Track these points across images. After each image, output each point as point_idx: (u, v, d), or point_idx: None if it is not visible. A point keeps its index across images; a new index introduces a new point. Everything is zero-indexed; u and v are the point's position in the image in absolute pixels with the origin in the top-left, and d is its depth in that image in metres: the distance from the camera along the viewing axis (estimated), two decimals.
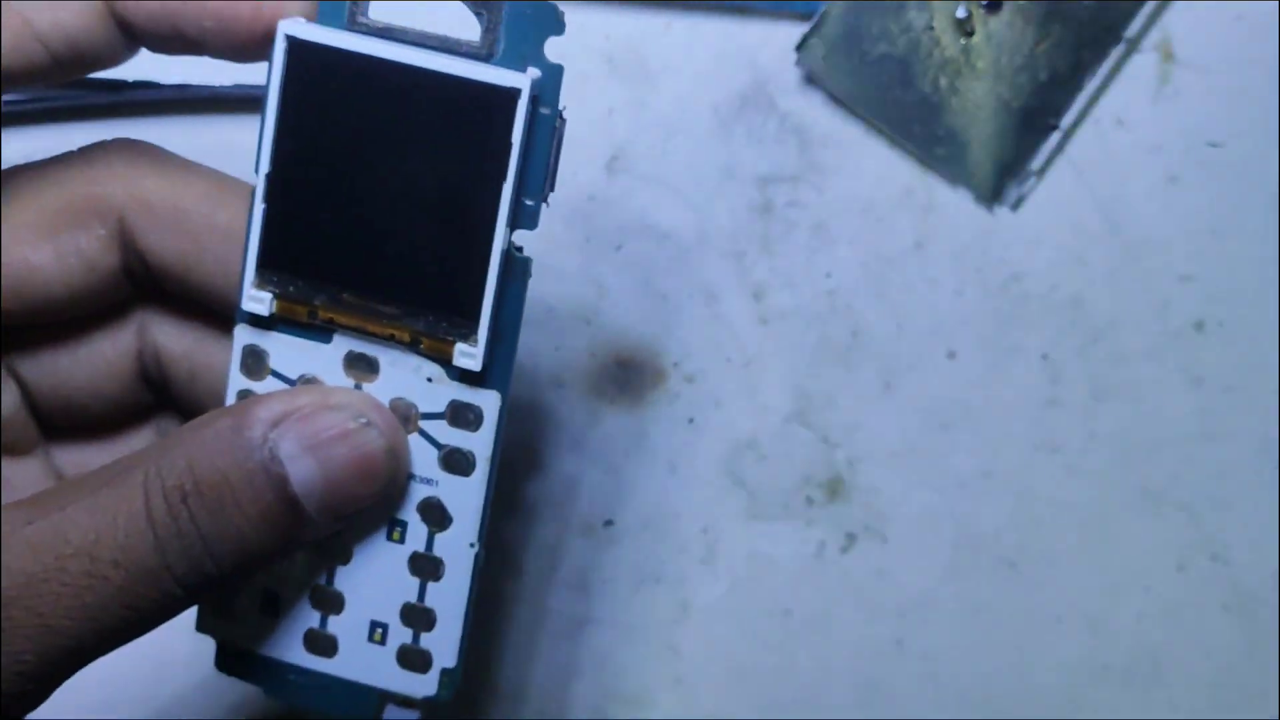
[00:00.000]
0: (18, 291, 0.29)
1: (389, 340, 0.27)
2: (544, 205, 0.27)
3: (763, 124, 0.42)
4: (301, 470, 0.26)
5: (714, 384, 0.42)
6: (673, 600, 0.42)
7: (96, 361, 0.31)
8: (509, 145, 0.26)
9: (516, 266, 0.27)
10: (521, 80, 0.25)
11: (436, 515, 0.28)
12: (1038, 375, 0.42)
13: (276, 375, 0.28)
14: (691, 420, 0.42)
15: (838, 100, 0.42)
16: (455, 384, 0.28)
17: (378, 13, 0.27)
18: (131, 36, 0.27)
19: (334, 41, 0.26)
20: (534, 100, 0.26)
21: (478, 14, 0.26)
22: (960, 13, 0.41)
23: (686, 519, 0.42)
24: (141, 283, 0.31)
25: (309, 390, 0.27)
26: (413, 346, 0.27)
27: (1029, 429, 0.42)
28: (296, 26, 0.26)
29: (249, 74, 0.41)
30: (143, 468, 0.25)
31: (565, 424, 0.42)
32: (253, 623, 0.29)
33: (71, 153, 0.30)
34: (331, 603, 0.29)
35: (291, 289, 0.27)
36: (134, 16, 0.27)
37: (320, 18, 0.27)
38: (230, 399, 0.28)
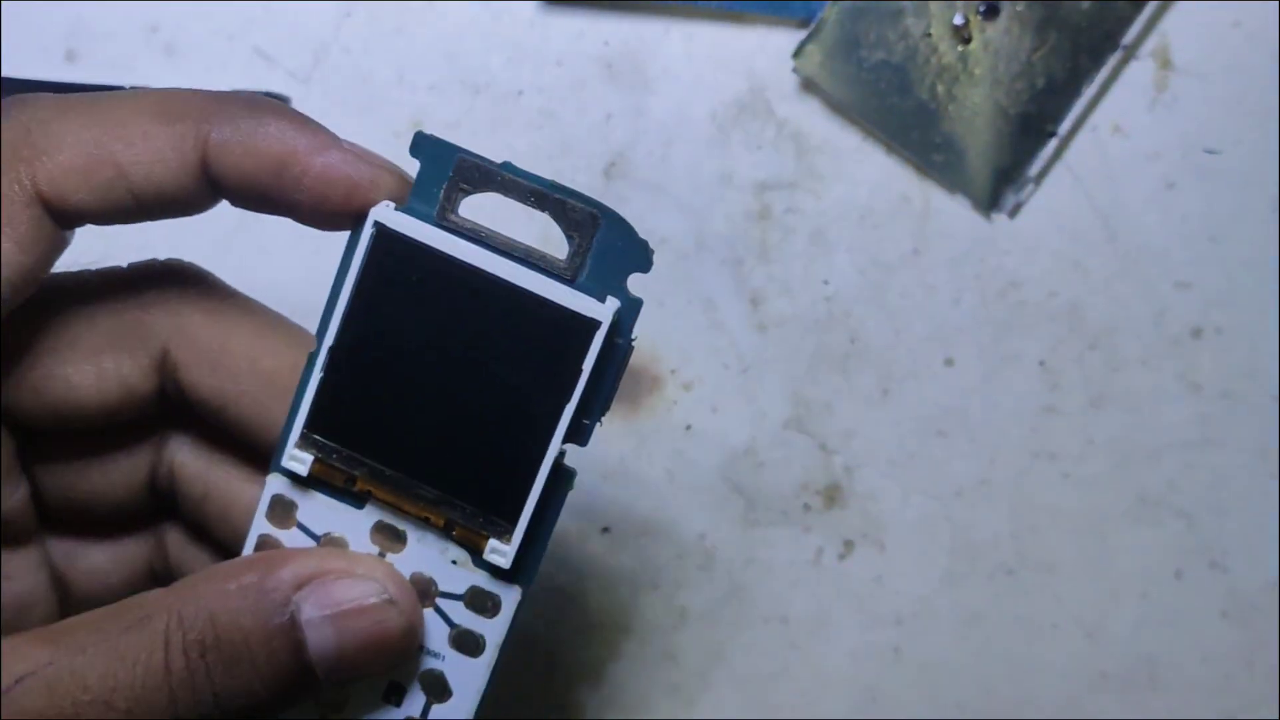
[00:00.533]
0: (53, 407, 0.29)
1: (423, 521, 0.28)
2: (599, 424, 0.27)
3: (760, 130, 0.42)
4: (319, 638, 0.26)
5: (712, 391, 0.42)
6: (670, 607, 0.42)
7: (109, 471, 0.31)
8: (579, 371, 0.26)
9: (563, 477, 0.27)
10: (603, 313, 0.26)
11: (438, 688, 0.28)
12: (1035, 382, 0.42)
13: (302, 528, 0.28)
14: (689, 427, 0.42)
15: (835, 107, 0.42)
16: (479, 571, 0.28)
17: (468, 211, 0.27)
18: (218, 192, 0.28)
19: (421, 236, 0.26)
20: (611, 330, 0.26)
21: (569, 236, 0.26)
22: (957, 19, 0.41)
23: (684, 526, 0.42)
24: (173, 407, 0.31)
25: (336, 554, 0.28)
26: (444, 531, 0.28)
27: (1027, 436, 0.42)
28: (387, 214, 0.26)
29: (245, 83, 0.41)
30: (164, 615, 0.25)
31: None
32: None
33: (122, 270, 0.30)
34: None
35: (334, 456, 0.27)
36: (227, 179, 0.27)
37: (410, 206, 0.27)
38: (251, 542, 0.28)
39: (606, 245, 0.26)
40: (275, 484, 0.28)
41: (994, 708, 0.42)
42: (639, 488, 0.42)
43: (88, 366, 0.29)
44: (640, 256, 0.27)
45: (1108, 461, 0.42)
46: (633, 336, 0.27)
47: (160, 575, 0.33)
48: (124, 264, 0.30)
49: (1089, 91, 0.41)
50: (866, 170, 0.42)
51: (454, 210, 0.27)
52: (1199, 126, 0.42)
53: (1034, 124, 0.41)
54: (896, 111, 0.41)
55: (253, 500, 0.29)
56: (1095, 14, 0.41)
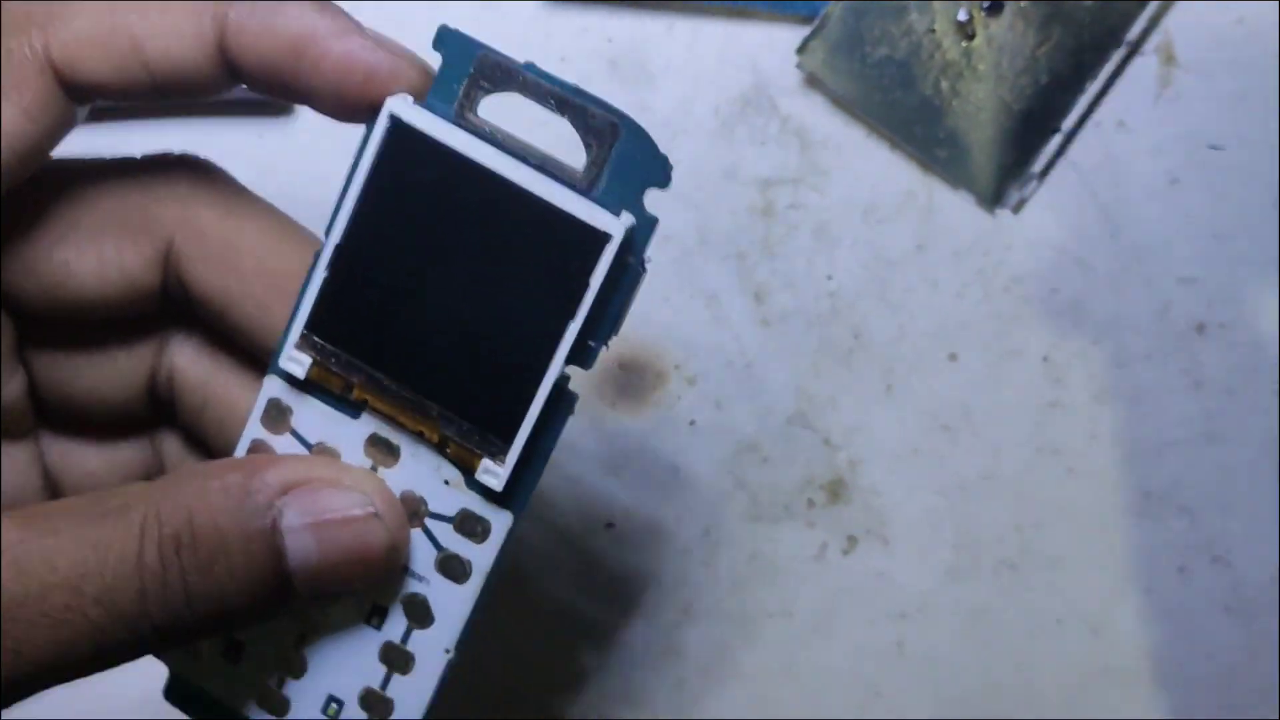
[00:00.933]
0: (51, 292, 0.28)
1: (418, 435, 0.27)
2: (604, 347, 0.26)
3: (764, 126, 0.42)
4: (300, 546, 0.25)
5: (715, 386, 0.42)
6: (674, 602, 0.42)
7: (108, 369, 0.31)
8: (586, 285, 0.25)
9: (564, 401, 0.26)
10: (615, 226, 0.25)
11: (420, 613, 0.28)
12: (1039, 377, 0.42)
13: (296, 435, 0.27)
14: (693, 422, 0.42)
15: (839, 103, 0.42)
16: (471, 494, 0.27)
17: (487, 111, 0.26)
18: (235, 75, 0.27)
19: (436, 133, 0.25)
20: (623, 247, 0.25)
21: (587, 145, 0.25)
22: (961, 15, 0.41)
23: (688, 521, 0.42)
24: (175, 305, 0.30)
25: (324, 462, 0.27)
26: (439, 447, 0.27)
27: (1030, 431, 0.42)
28: (403, 107, 0.25)
29: None
30: (142, 508, 0.25)
31: (567, 426, 0.42)
32: (212, 664, 0.28)
33: (135, 160, 0.29)
34: (294, 666, 0.28)
35: (333, 360, 0.27)
36: (244, 60, 0.26)
37: (429, 102, 0.26)
38: (243, 445, 0.28)
39: (625, 157, 0.25)
40: (272, 386, 0.27)
41: (997, 702, 0.42)
42: (643, 483, 0.42)
43: (89, 251, 0.28)
44: (659, 171, 0.25)
45: (1111, 457, 0.42)
46: (646, 257, 0.26)
47: None
48: (138, 154, 0.29)
49: (1093, 88, 0.41)
50: (870, 166, 0.42)
51: (473, 110, 0.26)
52: (1203, 122, 0.42)
53: (1038, 120, 0.41)
54: (900, 107, 0.41)
55: (250, 411, 0.28)
56: (1099, 10, 0.41)
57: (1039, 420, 0.42)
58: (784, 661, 0.42)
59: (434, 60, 0.26)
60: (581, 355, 0.26)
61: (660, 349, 0.42)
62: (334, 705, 0.28)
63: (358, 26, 0.26)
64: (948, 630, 0.42)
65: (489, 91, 0.26)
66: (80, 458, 0.32)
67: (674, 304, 0.42)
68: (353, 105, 0.26)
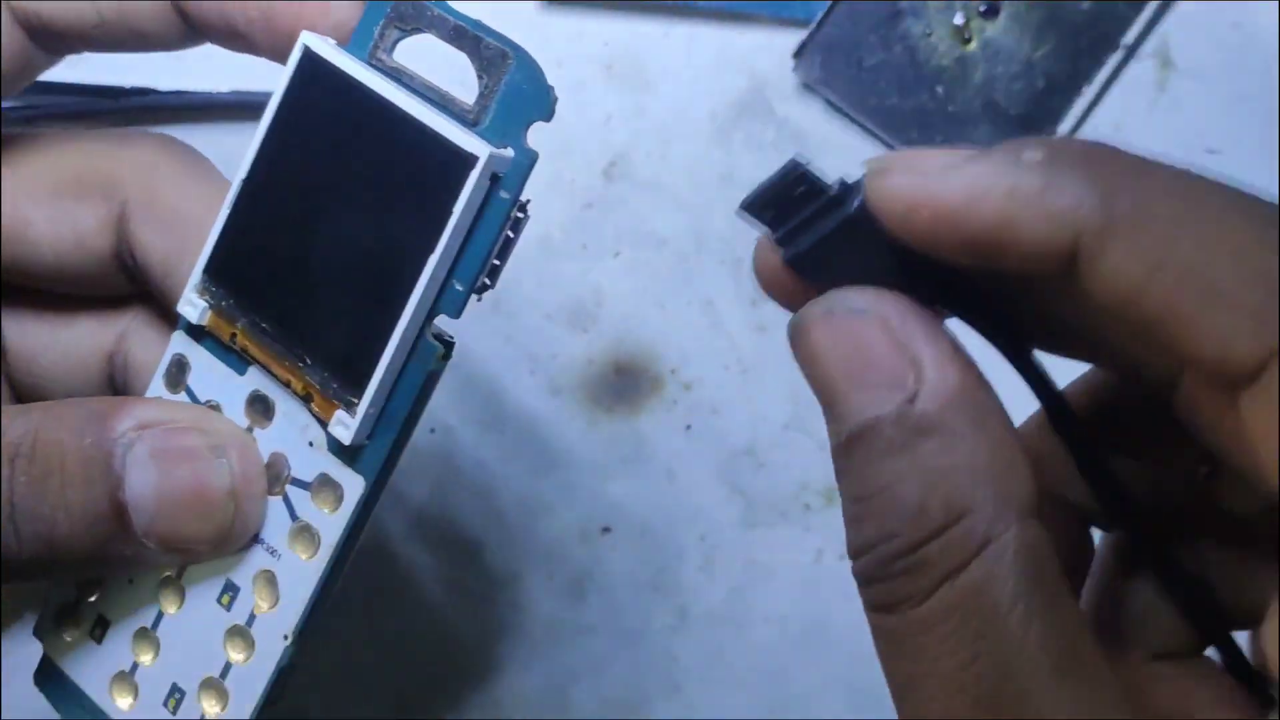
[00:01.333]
0: (10, 245, 0.29)
1: (286, 386, 0.26)
2: (476, 298, 0.25)
3: (761, 130, 0.42)
4: (139, 479, 0.25)
5: (712, 391, 0.42)
6: (670, 607, 0.42)
7: (70, 350, 0.31)
8: (448, 214, 0.24)
9: (423, 351, 0.25)
10: (482, 149, 0.24)
11: (267, 591, 0.26)
12: None
13: (189, 393, 0.27)
14: (689, 427, 0.42)
15: (835, 107, 0.42)
16: (330, 456, 0.26)
17: (403, 57, 0.26)
18: (186, 21, 0.27)
19: (342, 65, 0.25)
20: (493, 178, 0.24)
21: (479, 77, 0.25)
22: (957, 20, 0.41)
23: (684, 526, 0.42)
24: (133, 280, 0.30)
25: (192, 408, 0.26)
26: (305, 400, 0.26)
27: None
28: (316, 41, 0.25)
29: (247, 82, 0.41)
30: None
31: (563, 431, 0.42)
32: (79, 644, 0.28)
33: (108, 131, 0.30)
34: (148, 648, 0.27)
35: (224, 304, 0.26)
36: (201, 16, 0.27)
37: (351, 44, 0.26)
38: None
39: (513, 89, 0.25)
40: (177, 342, 0.27)
41: None
42: (639, 487, 0.42)
43: (43, 205, 0.29)
44: (543, 104, 0.24)
45: None
46: (525, 199, 0.24)
47: None
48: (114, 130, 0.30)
49: (1089, 92, 0.41)
50: None
51: (387, 50, 0.26)
52: (1199, 127, 0.42)
53: (1034, 124, 0.41)
54: (897, 111, 0.41)
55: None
56: (1095, 14, 0.41)
57: None
58: (780, 666, 0.42)
59: None
60: (446, 300, 0.24)
61: (656, 354, 0.42)
62: (175, 697, 0.27)
63: None
64: None
65: (404, 32, 0.26)
66: None
67: (670, 309, 0.42)
68: (287, 43, 0.26)
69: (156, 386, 0.27)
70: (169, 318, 0.31)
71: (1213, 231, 0.19)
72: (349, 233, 0.25)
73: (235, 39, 0.27)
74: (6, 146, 0.28)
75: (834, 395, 0.22)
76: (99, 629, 0.28)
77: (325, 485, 0.26)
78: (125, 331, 0.31)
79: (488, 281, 0.25)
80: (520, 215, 0.24)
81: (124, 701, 0.27)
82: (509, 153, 0.24)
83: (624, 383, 0.42)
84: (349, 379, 0.25)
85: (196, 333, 0.27)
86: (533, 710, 0.42)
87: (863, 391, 0.21)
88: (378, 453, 0.25)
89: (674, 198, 0.42)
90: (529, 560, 0.42)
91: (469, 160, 0.24)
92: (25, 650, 0.39)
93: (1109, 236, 0.19)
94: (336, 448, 0.25)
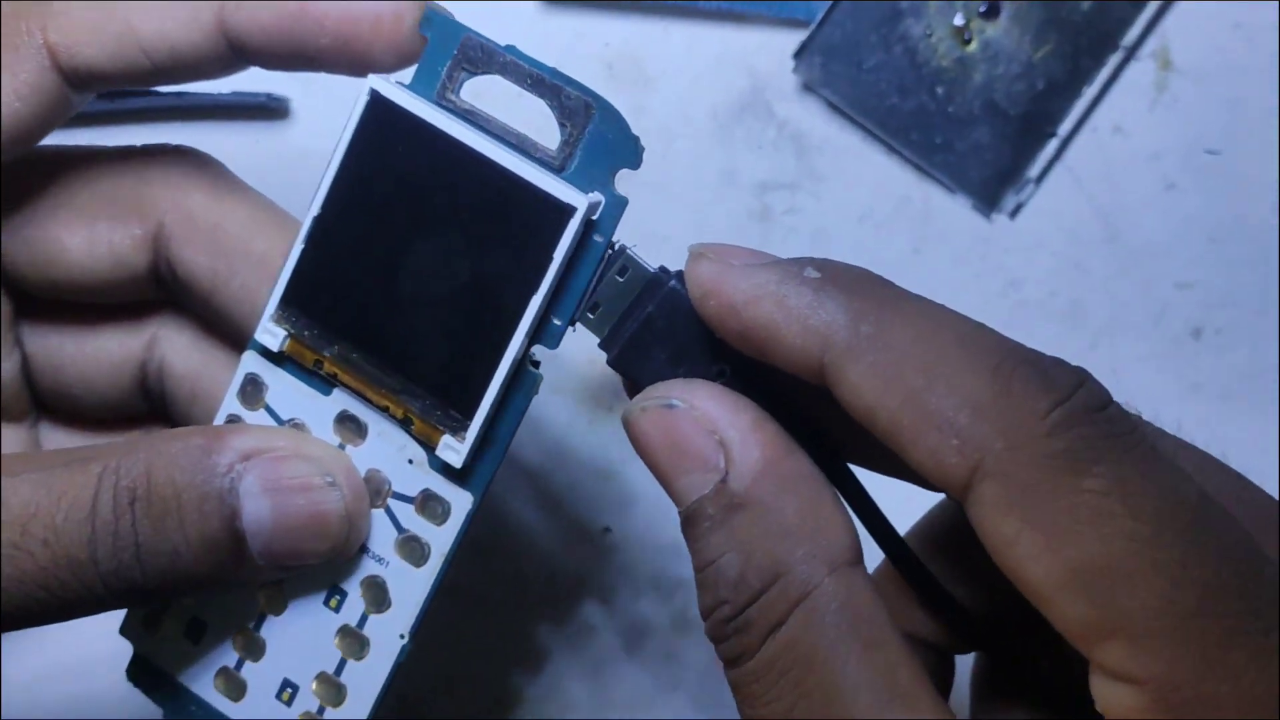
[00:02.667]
0: (42, 267, 0.29)
1: (383, 411, 0.27)
2: (571, 329, 0.26)
3: (761, 131, 0.42)
4: (255, 509, 0.26)
5: None
6: (671, 606, 0.42)
7: (99, 358, 0.31)
8: (549, 259, 0.25)
9: (526, 380, 0.26)
10: (579, 200, 0.25)
11: (378, 595, 0.28)
12: None
13: (269, 410, 0.28)
14: None
15: (836, 107, 0.42)
16: (434, 474, 0.27)
17: (469, 93, 0.26)
18: (241, 53, 0.27)
19: (414, 108, 0.25)
20: (588, 224, 0.25)
21: (562, 125, 0.26)
22: (958, 20, 0.41)
23: None
24: (166, 291, 0.31)
25: (289, 434, 0.27)
26: (404, 424, 0.27)
27: None
28: (383, 84, 0.26)
29: (247, 82, 0.41)
30: (103, 460, 0.25)
31: (564, 431, 0.42)
32: (174, 643, 0.29)
33: (132, 148, 0.30)
34: (253, 649, 0.28)
35: (306, 333, 0.27)
36: (248, 35, 0.27)
37: (414, 80, 0.26)
38: (220, 418, 0.28)
39: (597, 138, 0.26)
40: (250, 361, 0.28)
41: None
42: (640, 488, 0.42)
43: (80, 230, 0.29)
44: (630, 152, 0.26)
45: None
46: (615, 239, 0.26)
47: None
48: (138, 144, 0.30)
49: (1089, 92, 0.41)
50: (867, 170, 0.42)
51: (455, 90, 0.26)
52: (1199, 127, 0.42)
53: (1034, 125, 0.41)
54: (897, 112, 0.41)
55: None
56: (1095, 15, 0.41)
57: None
58: None
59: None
60: (546, 334, 0.26)
61: None
62: (288, 690, 0.28)
63: None
64: None
65: (472, 74, 0.26)
66: (76, 444, 0.32)
67: None
68: (362, 56, 0.27)
69: (231, 404, 0.28)
70: (202, 324, 0.31)
71: (935, 361, 0.22)
72: (443, 271, 0.26)
73: (296, 64, 0.27)
74: (34, 167, 0.28)
75: (664, 482, 0.25)
76: (195, 630, 0.29)
77: (431, 500, 0.27)
78: (155, 338, 0.32)
79: (581, 316, 0.26)
80: (611, 253, 0.26)
81: (232, 695, 0.28)
82: (600, 199, 0.25)
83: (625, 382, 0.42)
84: (453, 405, 0.26)
85: (274, 356, 0.27)
86: (533, 710, 0.42)
87: (684, 477, 0.24)
88: (484, 472, 0.27)
89: (674, 197, 0.42)
90: (529, 560, 0.42)
91: (567, 210, 0.25)
92: (25, 650, 0.39)
93: (850, 357, 0.22)
94: (441, 467, 0.27)
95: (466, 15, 0.45)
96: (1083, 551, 0.20)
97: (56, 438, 0.32)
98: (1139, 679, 0.20)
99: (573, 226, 0.25)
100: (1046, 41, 0.41)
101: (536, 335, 0.26)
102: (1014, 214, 0.42)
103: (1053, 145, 0.41)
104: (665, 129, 0.42)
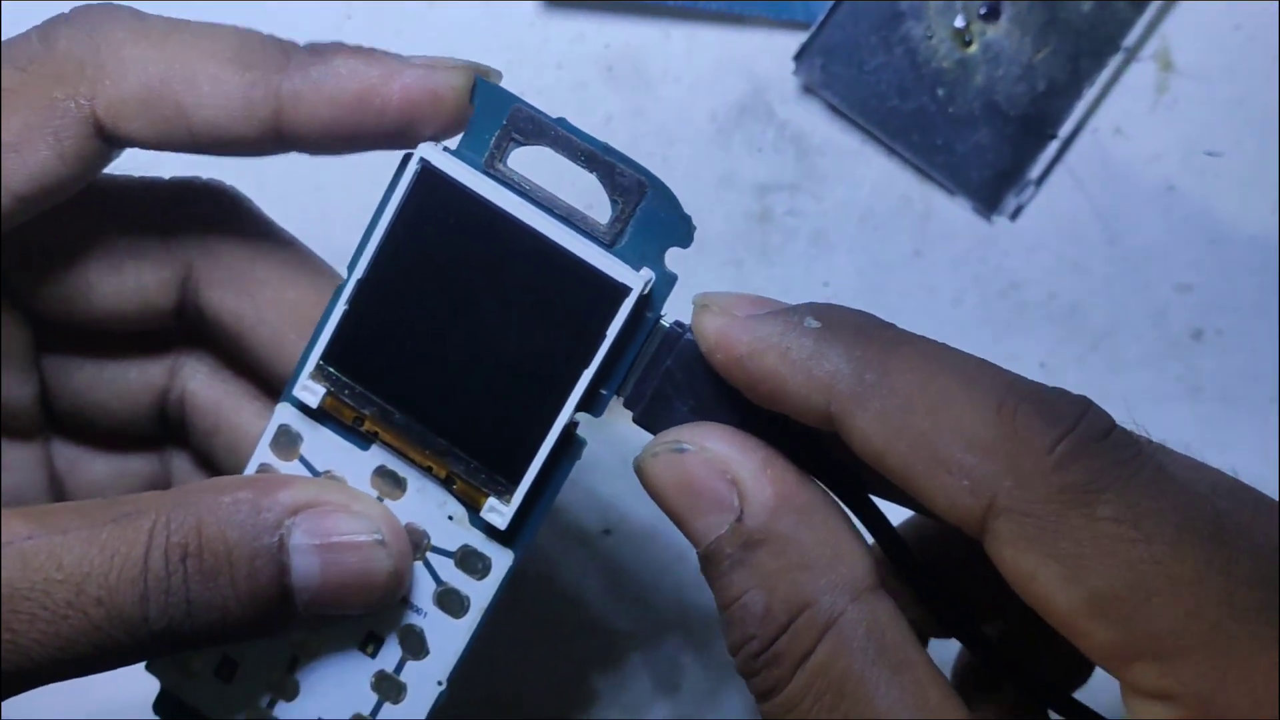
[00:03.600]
0: (70, 304, 0.29)
1: (425, 470, 0.27)
2: (616, 397, 0.27)
3: (761, 132, 0.42)
4: (305, 565, 0.26)
5: None
6: (672, 607, 0.42)
7: (118, 385, 0.31)
8: (603, 336, 0.26)
9: (572, 446, 0.27)
10: (635, 280, 0.25)
11: (415, 644, 0.28)
12: None
13: (304, 462, 0.28)
14: None
15: (836, 109, 0.42)
16: (474, 531, 0.28)
17: (516, 162, 0.26)
18: (291, 143, 0.27)
19: (464, 180, 0.26)
20: (640, 301, 0.26)
21: (613, 201, 0.26)
22: (958, 22, 0.41)
23: None
24: (190, 327, 0.31)
25: (335, 488, 0.27)
26: (445, 483, 0.27)
27: None
28: (433, 153, 0.26)
29: None
30: (153, 514, 0.25)
31: None
32: (203, 681, 0.29)
33: (161, 182, 0.30)
34: (286, 690, 0.29)
35: (346, 393, 0.27)
36: (305, 131, 0.27)
37: (460, 151, 0.26)
38: (251, 467, 0.28)
39: (649, 215, 0.26)
40: (284, 413, 0.28)
41: None
42: (640, 490, 0.42)
43: (109, 269, 0.29)
44: (682, 231, 0.26)
45: None
46: (663, 313, 0.27)
47: None
48: (165, 176, 0.30)
49: (1090, 94, 0.41)
50: (867, 172, 0.42)
51: (503, 160, 0.26)
52: (1199, 129, 0.42)
53: (1035, 126, 0.41)
54: (897, 113, 0.41)
55: (262, 435, 0.28)
56: (1096, 16, 0.41)
57: None
58: None
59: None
60: (592, 403, 0.27)
61: None
62: None
63: (404, 61, 0.27)
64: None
65: (520, 144, 0.26)
66: (87, 465, 0.32)
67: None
68: (420, 132, 0.27)
69: (264, 453, 0.28)
70: (224, 359, 0.31)
71: (940, 404, 0.22)
72: (491, 340, 0.26)
73: (344, 147, 0.27)
74: (63, 204, 0.28)
75: (681, 524, 0.25)
76: (226, 669, 0.29)
77: (471, 555, 0.28)
78: (175, 368, 0.31)
79: (628, 386, 0.27)
80: (659, 328, 0.26)
81: None
82: (652, 277, 0.26)
83: None
84: (498, 470, 0.27)
85: (309, 411, 0.28)
86: (533, 710, 0.42)
87: (700, 519, 0.25)
88: (527, 531, 0.27)
89: None
90: (530, 561, 0.42)
91: (622, 290, 0.25)
92: None
93: (856, 405, 0.23)
94: (483, 526, 0.27)
95: (467, 18, 0.46)
96: (1103, 580, 0.21)
97: (69, 455, 0.32)
98: (1173, 695, 0.21)
99: (627, 305, 0.25)
100: (1047, 43, 0.41)
101: (583, 404, 0.26)
102: (1014, 216, 0.42)
103: (1053, 147, 0.41)
104: (665, 131, 0.42)
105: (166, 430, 0.32)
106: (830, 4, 0.41)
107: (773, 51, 0.42)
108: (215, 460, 0.32)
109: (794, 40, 0.42)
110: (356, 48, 0.27)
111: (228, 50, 0.26)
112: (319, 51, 0.27)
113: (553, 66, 0.42)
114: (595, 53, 0.42)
